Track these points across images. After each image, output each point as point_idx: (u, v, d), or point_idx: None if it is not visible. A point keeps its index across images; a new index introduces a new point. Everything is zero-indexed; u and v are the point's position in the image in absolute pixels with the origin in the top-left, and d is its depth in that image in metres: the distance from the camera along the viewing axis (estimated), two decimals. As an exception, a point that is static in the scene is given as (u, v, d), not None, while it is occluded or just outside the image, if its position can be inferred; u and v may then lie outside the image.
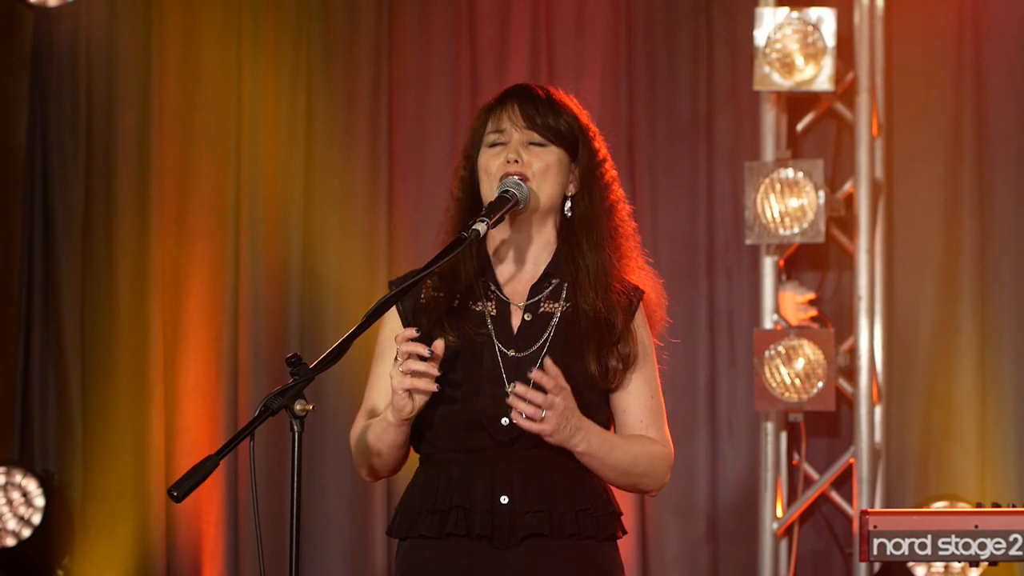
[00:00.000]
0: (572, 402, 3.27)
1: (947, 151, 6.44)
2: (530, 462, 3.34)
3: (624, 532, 3.45)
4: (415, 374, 3.23)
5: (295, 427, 3.07)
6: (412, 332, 3.24)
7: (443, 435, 3.36)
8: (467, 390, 3.33)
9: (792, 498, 6.44)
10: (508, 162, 3.38)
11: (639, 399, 3.42)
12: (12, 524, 6.85)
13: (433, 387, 3.24)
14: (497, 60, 6.79)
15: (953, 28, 6.43)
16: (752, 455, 6.48)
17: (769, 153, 6.39)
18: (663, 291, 3.54)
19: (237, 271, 6.91)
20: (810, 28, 6.23)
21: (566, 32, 6.76)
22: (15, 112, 7.17)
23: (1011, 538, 3.73)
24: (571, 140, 3.44)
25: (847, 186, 6.43)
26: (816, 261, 6.55)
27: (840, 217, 6.41)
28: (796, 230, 6.26)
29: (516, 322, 3.40)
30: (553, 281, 3.43)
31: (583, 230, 3.44)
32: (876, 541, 3.77)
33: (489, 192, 3.40)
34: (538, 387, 3.24)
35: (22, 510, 6.85)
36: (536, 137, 3.41)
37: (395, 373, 3.25)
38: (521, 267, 3.45)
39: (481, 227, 3.27)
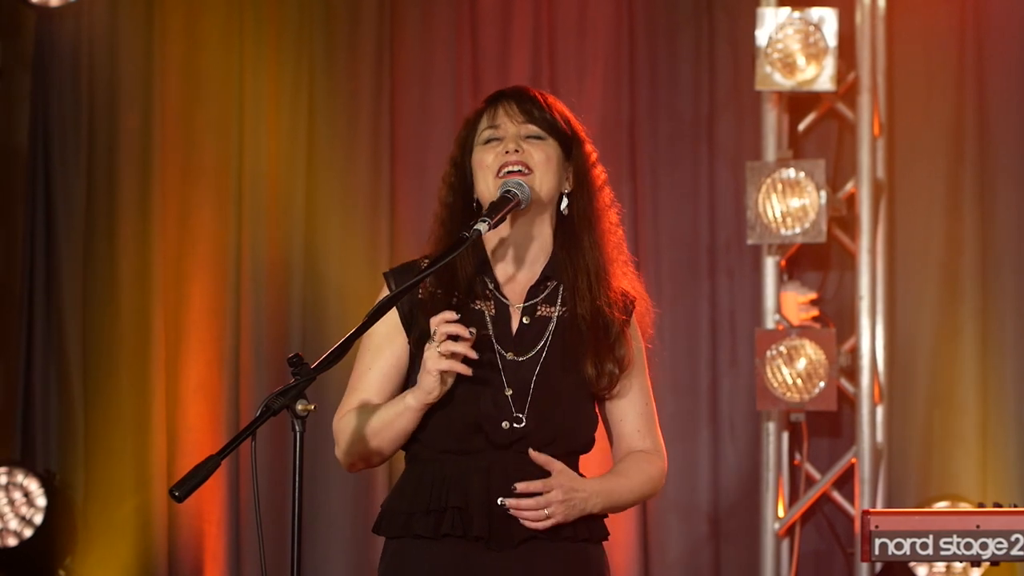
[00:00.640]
0: (572, 479, 3.31)
1: (949, 151, 6.44)
2: (526, 465, 3.34)
3: (608, 533, 3.46)
4: (453, 355, 3.22)
5: (297, 427, 3.08)
6: (452, 315, 3.24)
7: (439, 436, 3.35)
8: (466, 392, 3.32)
9: (794, 498, 6.44)
10: (508, 152, 3.37)
11: (635, 407, 3.44)
12: (14, 524, 6.85)
13: (468, 370, 3.24)
14: (499, 60, 6.79)
15: (955, 28, 6.43)
16: (753, 455, 6.48)
17: (771, 153, 6.39)
18: (649, 299, 3.54)
19: (239, 271, 6.91)
20: (812, 28, 6.23)
21: (568, 32, 6.76)
22: (17, 112, 7.17)
23: (1013, 538, 3.73)
24: (566, 136, 3.44)
25: (849, 186, 6.43)
26: (818, 261, 6.55)
27: (842, 217, 6.41)
28: (798, 230, 6.26)
29: (515, 324, 3.40)
30: (550, 284, 3.43)
31: (584, 227, 3.43)
32: (878, 541, 3.77)
33: (486, 188, 3.39)
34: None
35: (24, 510, 6.85)
36: (534, 130, 3.41)
37: (431, 355, 3.24)
38: (519, 267, 3.44)
39: (483, 227, 3.26)
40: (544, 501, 3.27)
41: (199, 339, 6.91)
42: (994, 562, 3.77)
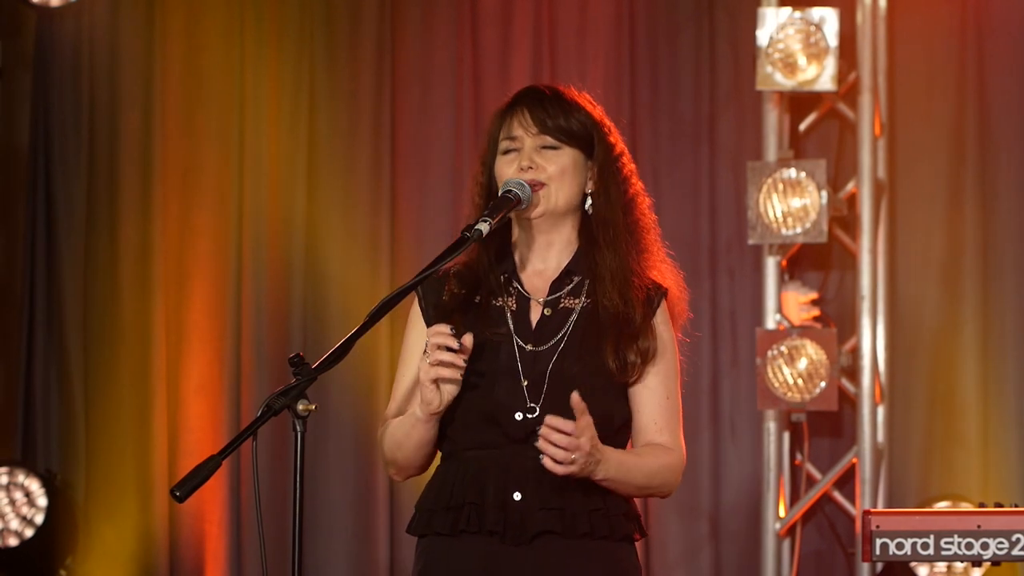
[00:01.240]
0: (595, 436, 3.25)
1: (950, 151, 6.44)
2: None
3: (643, 535, 3.44)
4: (441, 364, 3.23)
5: (298, 427, 3.08)
6: (445, 328, 3.24)
7: (460, 430, 3.36)
8: (483, 384, 3.33)
9: (795, 498, 6.43)
10: (522, 169, 3.38)
11: (654, 397, 3.42)
12: (15, 524, 6.85)
13: (458, 376, 3.24)
14: (500, 60, 6.79)
15: (956, 28, 6.43)
16: (755, 455, 6.48)
17: (772, 153, 6.38)
18: (684, 284, 3.54)
19: (240, 270, 6.91)
20: (812, 28, 6.23)
21: (568, 32, 6.76)
22: (18, 111, 7.17)
23: (1014, 538, 3.73)
24: (585, 138, 3.43)
25: (850, 186, 6.43)
26: (819, 261, 6.55)
27: (843, 217, 6.41)
28: (799, 230, 6.25)
29: (535, 317, 3.40)
30: (574, 278, 3.43)
31: (600, 228, 3.43)
32: (879, 541, 3.77)
33: None
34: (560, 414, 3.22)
35: (25, 510, 6.85)
36: (549, 140, 3.40)
37: (423, 365, 3.26)
38: (542, 265, 3.45)
39: (484, 227, 3.27)
40: (574, 443, 3.19)
41: (200, 339, 6.91)
42: (995, 562, 3.77)
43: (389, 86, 6.86)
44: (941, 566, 6.20)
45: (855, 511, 6.34)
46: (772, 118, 6.41)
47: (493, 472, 3.32)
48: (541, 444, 3.20)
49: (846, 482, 6.43)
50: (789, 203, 6.27)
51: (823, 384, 6.21)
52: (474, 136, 6.64)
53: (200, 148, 6.99)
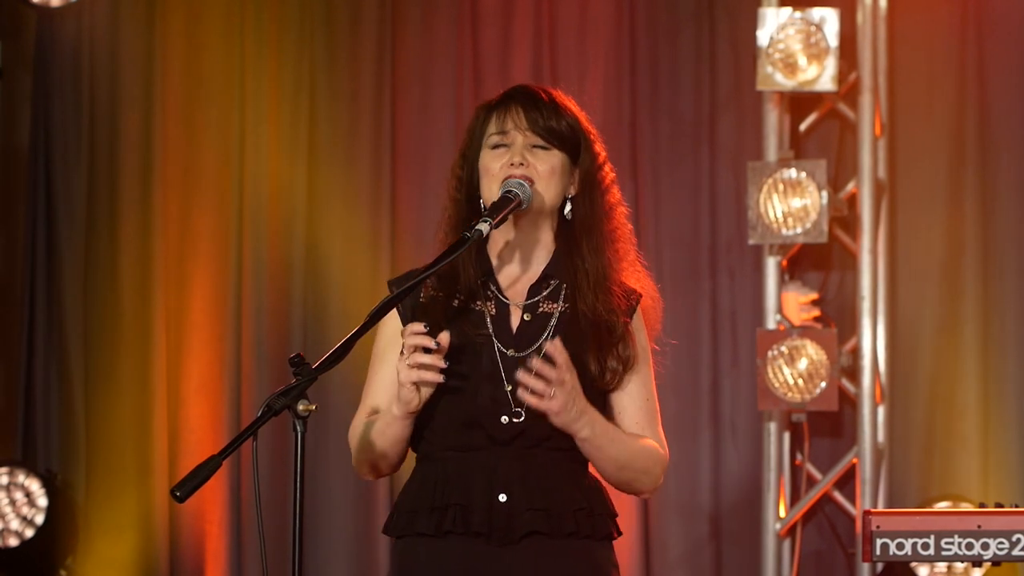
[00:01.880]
0: (579, 385, 3.28)
1: (950, 151, 6.44)
2: (528, 461, 3.35)
3: (619, 533, 3.46)
4: (421, 367, 3.23)
5: (298, 427, 3.08)
6: (420, 327, 3.24)
7: (441, 433, 3.37)
8: (466, 389, 3.34)
9: (795, 498, 6.43)
10: (513, 165, 3.39)
11: (635, 401, 3.44)
12: (15, 524, 6.85)
13: (439, 378, 3.25)
14: (500, 60, 6.79)
15: (956, 28, 6.43)
16: (755, 455, 6.48)
17: (772, 153, 6.38)
18: (658, 295, 3.55)
19: (240, 271, 6.91)
20: (813, 28, 6.23)
21: (569, 32, 6.76)
22: (18, 112, 7.17)
23: (1014, 538, 3.74)
24: (573, 143, 3.45)
25: (850, 186, 6.43)
26: (819, 261, 6.55)
27: (843, 217, 6.41)
28: (799, 230, 6.25)
29: (515, 322, 3.41)
30: (552, 282, 3.44)
31: (583, 233, 3.44)
32: (879, 541, 3.77)
33: (490, 193, 3.40)
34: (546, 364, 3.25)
35: (25, 510, 6.85)
36: (539, 140, 3.42)
37: (402, 367, 3.26)
38: (520, 268, 3.46)
39: (484, 227, 3.28)
40: (559, 377, 3.22)
41: (200, 339, 6.91)
42: (995, 562, 3.77)
43: (389, 86, 6.86)
44: (941, 566, 6.20)
45: (855, 511, 6.34)
46: (772, 118, 6.41)
47: (478, 474, 3.33)
48: (521, 376, 3.23)
49: (846, 482, 6.43)
50: (789, 203, 6.27)
51: (823, 384, 6.21)
52: (474, 136, 6.63)
53: (200, 148, 6.99)
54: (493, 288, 3.43)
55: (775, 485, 6.37)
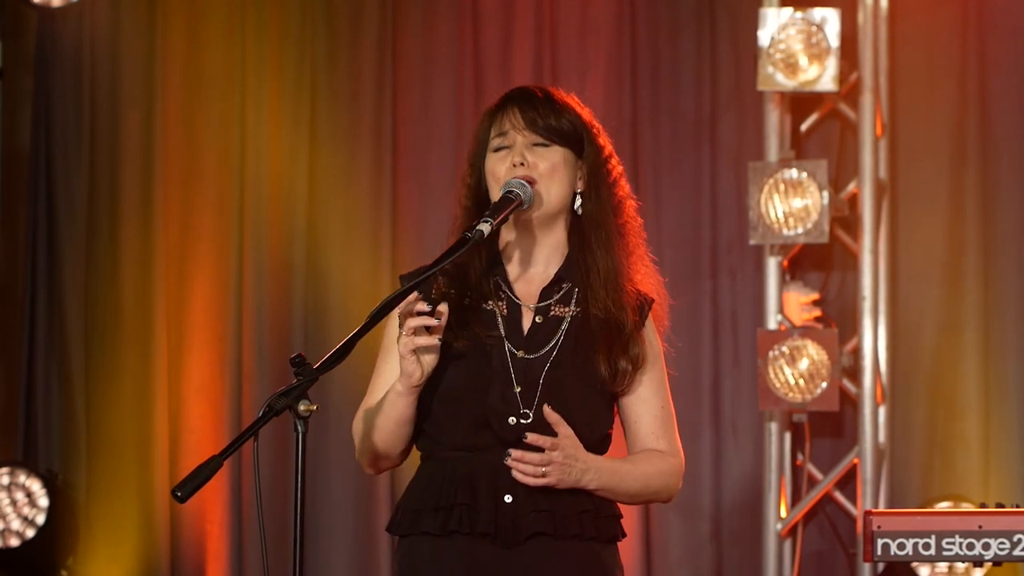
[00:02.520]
0: (576, 447, 3.31)
1: (951, 151, 6.44)
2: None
3: (624, 535, 3.46)
4: (416, 332, 3.25)
5: (299, 427, 3.08)
6: (416, 296, 3.25)
7: (449, 433, 3.37)
8: (476, 389, 3.34)
9: (796, 498, 6.43)
10: (514, 165, 3.39)
11: (651, 408, 3.44)
12: (16, 524, 6.85)
13: (434, 341, 3.26)
14: (501, 60, 6.79)
15: (957, 28, 6.43)
16: (756, 455, 6.48)
17: (773, 153, 6.39)
18: (666, 292, 3.55)
19: (241, 271, 6.91)
20: (814, 28, 6.23)
21: (570, 32, 6.76)
22: (19, 112, 7.18)
23: (1015, 538, 3.73)
24: (575, 138, 3.45)
25: (851, 186, 6.43)
26: (820, 261, 6.55)
27: (844, 217, 6.41)
28: (800, 230, 6.25)
29: (527, 324, 3.41)
30: (564, 285, 3.44)
31: (591, 228, 3.45)
32: (880, 541, 3.77)
33: (496, 196, 3.40)
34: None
35: (26, 510, 6.85)
36: (539, 138, 3.42)
37: (401, 339, 3.27)
38: (532, 268, 3.46)
39: (485, 227, 3.28)
40: (545, 458, 3.27)
41: (201, 339, 6.91)
42: (996, 563, 3.77)
43: (390, 86, 6.86)
44: (942, 566, 6.20)
45: (856, 511, 6.34)
46: (773, 118, 6.42)
47: (483, 474, 3.33)
48: (511, 463, 3.28)
49: (847, 482, 6.43)
50: (790, 203, 6.27)
51: (824, 384, 6.21)
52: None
53: (201, 149, 6.99)
54: (506, 289, 3.44)
55: (776, 485, 6.37)
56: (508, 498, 3.32)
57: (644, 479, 3.40)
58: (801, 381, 6.23)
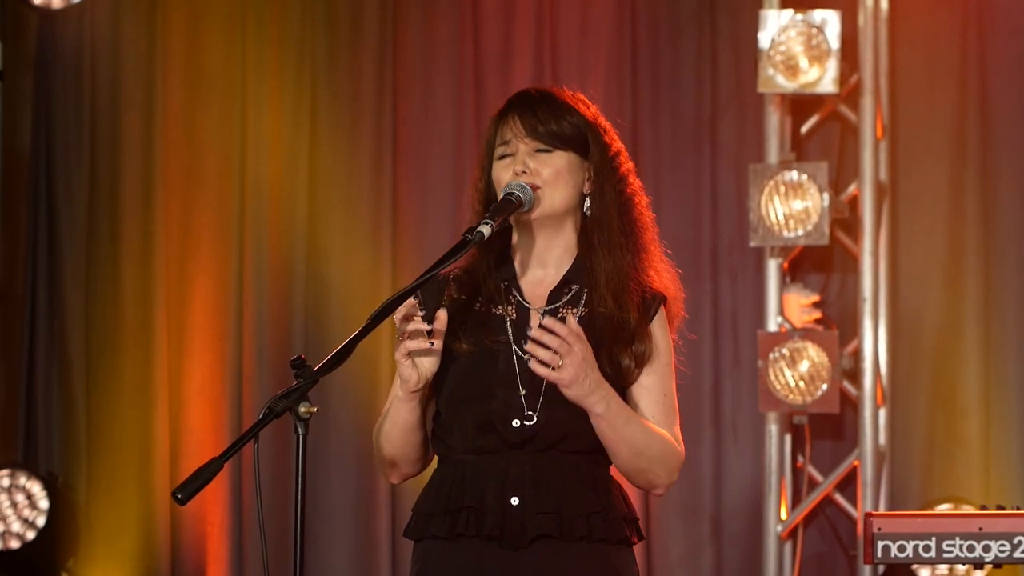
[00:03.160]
0: (591, 357, 3.24)
1: (951, 153, 6.44)
2: (542, 464, 3.33)
3: (641, 538, 3.43)
4: (408, 336, 3.24)
5: (299, 429, 3.07)
6: (411, 301, 3.24)
7: (457, 436, 3.37)
8: (480, 392, 3.34)
9: (796, 500, 6.43)
10: (516, 174, 3.38)
11: (651, 396, 3.40)
12: (16, 526, 6.85)
13: (427, 345, 3.25)
14: (501, 62, 6.80)
15: (957, 30, 6.43)
16: (756, 457, 6.48)
17: (773, 155, 6.39)
18: (680, 285, 3.54)
19: (241, 273, 6.91)
20: (814, 30, 6.23)
21: (570, 34, 6.76)
22: (20, 114, 7.18)
23: (1015, 540, 3.73)
24: (578, 140, 3.44)
25: (851, 188, 6.43)
26: (820, 263, 6.55)
27: (844, 219, 6.41)
28: (800, 232, 6.25)
29: (534, 326, 3.39)
30: (572, 287, 3.43)
31: (596, 230, 3.43)
32: (880, 543, 3.77)
33: None
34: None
35: (26, 512, 6.85)
36: (541, 145, 3.41)
37: (396, 345, 3.28)
38: (542, 271, 3.45)
39: (485, 229, 3.27)
40: (563, 346, 3.19)
41: (202, 341, 6.91)
42: (997, 564, 3.77)
43: (390, 87, 6.86)
44: (943, 568, 6.19)
45: (857, 513, 6.34)
46: (774, 120, 6.42)
47: (491, 477, 3.32)
48: (529, 346, 3.20)
49: (848, 484, 6.43)
50: (791, 205, 6.27)
51: (825, 386, 6.21)
52: (476, 138, 6.64)
53: (201, 150, 6.99)
54: (515, 292, 3.43)
55: (776, 487, 6.37)
56: (515, 500, 3.31)
57: (650, 436, 3.34)
58: (801, 383, 6.23)
